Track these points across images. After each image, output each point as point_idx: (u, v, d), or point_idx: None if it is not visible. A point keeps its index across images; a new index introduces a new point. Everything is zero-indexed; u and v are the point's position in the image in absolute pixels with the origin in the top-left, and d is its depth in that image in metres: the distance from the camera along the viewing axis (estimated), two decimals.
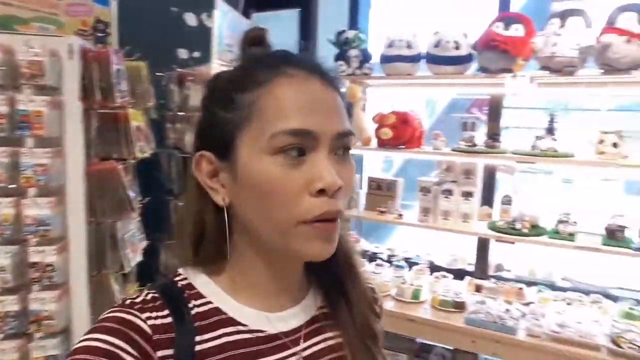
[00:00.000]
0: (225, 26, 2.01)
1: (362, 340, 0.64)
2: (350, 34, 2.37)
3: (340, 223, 0.56)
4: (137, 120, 2.01)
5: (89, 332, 0.51)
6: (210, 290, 0.58)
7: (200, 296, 0.58)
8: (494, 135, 2.32)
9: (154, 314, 0.53)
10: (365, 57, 2.38)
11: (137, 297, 0.56)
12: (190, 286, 0.58)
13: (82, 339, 0.51)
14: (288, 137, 0.51)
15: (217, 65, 1.83)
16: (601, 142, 2.01)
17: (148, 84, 2.19)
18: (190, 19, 2.58)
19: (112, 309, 0.54)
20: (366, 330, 0.65)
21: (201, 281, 0.59)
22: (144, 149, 2.05)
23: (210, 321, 0.56)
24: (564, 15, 1.97)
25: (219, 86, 0.58)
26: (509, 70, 2.05)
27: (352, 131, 0.57)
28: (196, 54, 2.61)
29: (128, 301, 0.55)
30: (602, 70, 1.93)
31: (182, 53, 2.57)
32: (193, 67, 2.44)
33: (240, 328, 0.57)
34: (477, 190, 2.36)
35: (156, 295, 0.56)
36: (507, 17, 2.08)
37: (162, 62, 2.47)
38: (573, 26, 1.94)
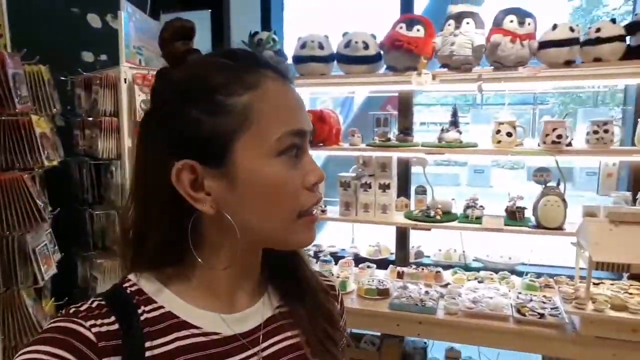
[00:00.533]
0: (133, 28, 1.95)
1: (320, 338, 0.65)
2: (264, 35, 2.40)
3: None
4: (41, 127, 1.89)
5: (30, 344, 0.50)
6: (163, 294, 0.58)
7: (151, 301, 0.57)
8: (405, 130, 2.47)
9: (99, 322, 0.52)
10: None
11: (82, 305, 0.55)
12: (140, 292, 0.57)
13: (22, 351, 0.49)
14: (292, 137, 0.55)
15: (126, 68, 1.77)
16: (497, 132, 2.21)
17: (51, 88, 2.06)
18: (94, 20, 2.47)
19: (55, 319, 0.53)
20: (324, 327, 0.66)
21: (152, 286, 0.58)
22: (51, 157, 1.93)
23: (162, 326, 0.55)
24: (459, 17, 2.14)
25: (196, 90, 0.54)
26: (414, 69, 2.19)
27: None
28: (103, 57, 2.49)
29: (72, 310, 0.54)
30: (493, 67, 2.14)
31: (87, 56, 2.45)
32: (100, 70, 2.33)
33: (194, 331, 0.57)
34: (394, 182, 2.49)
35: (102, 302, 0.55)
36: (409, 19, 2.22)
37: (66, 66, 2.34)
38: (467, 27, 2.11)
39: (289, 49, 2.45)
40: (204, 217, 0.57)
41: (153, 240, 0.57)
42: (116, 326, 0.53)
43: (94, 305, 0.54)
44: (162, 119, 0.56)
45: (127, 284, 0.58)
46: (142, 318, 0.55)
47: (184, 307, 0.57)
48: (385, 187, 2.43)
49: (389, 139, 2.41)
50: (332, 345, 0.67)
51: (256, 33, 2.43)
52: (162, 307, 0.57)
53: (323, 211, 2.53)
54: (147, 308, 0.56)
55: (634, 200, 2.25)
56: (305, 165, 0.57)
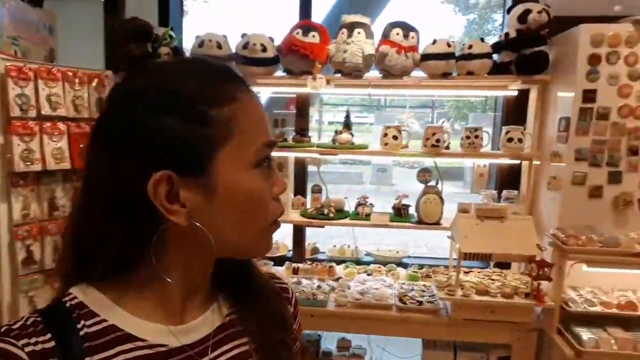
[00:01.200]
0: (7, 15, 1.82)
1: (271, 344, 0.65)
2: (161, 30, 2.36)
3: None
4: None
5: None
6: (105, 307, 0.56)
7: (93, 315, 0.55)
8: (301, 131, 2.57)
9: (33, 340, 0.50)
10: (176, 56, 2.39)
11: (16, 323, 0.53)
12: (81, 305, 0.55)
13: None
14: (266, 149, 0.57)
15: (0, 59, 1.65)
16: (385, 135, 2.39)
17: None
18: None
19: None
20: (275, 332, 0.66)
21: (95, 299, 0.56)
22: None
23: (105, 340, 0.54)
24: (351, 27, 2.28)
25: (172, 99, 0.52)
26: (310, 73, 2.29)
27: None
28: None
29: (4, 328, 0.52)
30: (382, 75, 2.32)
31: None
32: None
33: (140, 344, 0.55)
34: (290, 181, 2.58)
35: (38, 319, 0.53)
36: (305, 25, 2.31)
37: None
38: (358, 37, 2.26)
39: (188, 47, 2.44)
40: (169, 229, 0.55)
41: (105, 252, 0.55)
42: (52, 343, 0.51)
43: (28, 322, 0.52)
44: (127, 128, 0.53)
45: (67, 298, 0.56)
46: (82, 333, 0.53)
47: (129, 320, 0.56)
48: None
49: (285, 139, 2.49)
50: (284, 350, 0.66)
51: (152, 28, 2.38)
52: (104, 320, 0.55)
53: None
54: (89, 322, 0.54)
55: (499, 197, 2.57)
56: (272, 177, 0.59)
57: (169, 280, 0.57)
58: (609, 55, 2.08)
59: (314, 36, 2.27)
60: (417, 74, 2.34)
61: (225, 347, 0.62)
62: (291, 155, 2.56)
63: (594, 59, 2.09)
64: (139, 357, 0.55)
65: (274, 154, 2.14)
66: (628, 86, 2.09)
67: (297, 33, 2.28)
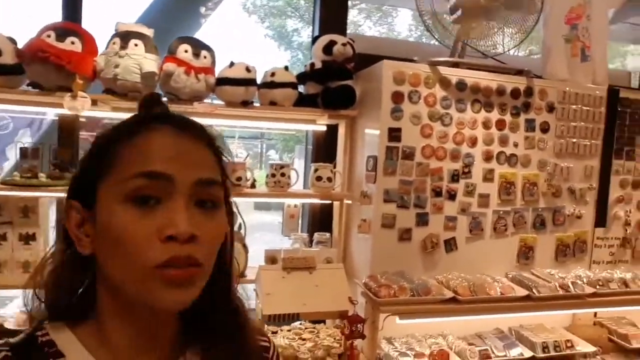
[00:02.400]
0: None
1: None
2: None
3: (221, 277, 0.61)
4: None
5: None
6: (72, 348, 0.56)
7: (60, 355, 0.55)
8: (62, 164, 1.95)
9: None
10: None
11: None
12: (50, 343, 0.56)
13: None
14: (144, 180, 0.52)
15: None
16: None
17: None
18: None
19: None
20: None
21: (64, 338, 0.57)
22: None
23: None
24: (126, 37, 1.80)
25: (96, 139, 0.58)
26: (69, 89, 1.73)
27: (219, 181, 0.58)
28: None
29: None
30: (167, 99, 1.87)
31: None
32: None
33: None
34: (42, 231, 1.92)
35: (9, 354, 0.54)
36: (62, 28, 1.76)
37: None
38: (135, 50, 1.79)
39: None
40: (97, 265, 0.57)
41: (64, 288, 0.58)
42: None
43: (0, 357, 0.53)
44: None
45: (39, 333, 0.57)
46: None
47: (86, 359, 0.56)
48: (29, 239, 1.84)
49: (36, 175, 1.85)
50: None
51: None
52: None
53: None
54: None
55: (310, 241, 2.31)
56: (165, 216, 0.52)
57: (111, 322, 0.58)
58: (411, 94, 2.01)
59: (73, 42, 1.73)
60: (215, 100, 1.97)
61: None
62: (47, 196, 1.91)
63: (397, 97, 1.99)
64: None
65: (20, 193, 1.53)
66: (429, 126, 2.04)
67: (49, 36, 1.71)
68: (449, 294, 1.92)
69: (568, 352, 2.07)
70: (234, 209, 0.65)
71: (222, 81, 1.93)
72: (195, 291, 0.55)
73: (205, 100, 1.95)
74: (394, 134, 2.00)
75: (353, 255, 2.25)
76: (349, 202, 2.27)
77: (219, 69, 1.97)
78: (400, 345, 2.01)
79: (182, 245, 0.52)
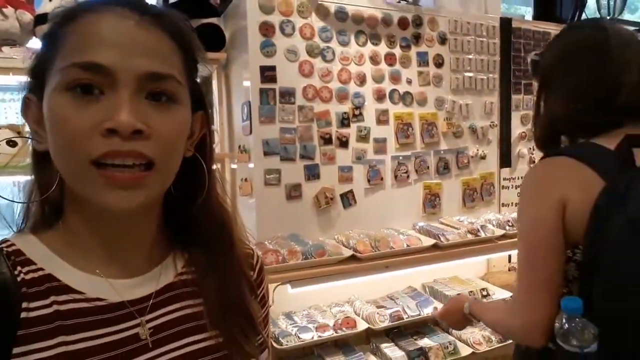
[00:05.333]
0: None
1: (226, 311, 0.60)
2: None
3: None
4: None
5: None
6: (43, 256, 0.54)
7: (30, 262, 0.53)
8: None
9: None
10: None
11: None
12: (18, 252, 0.53)
13: None
14: (77, 71, 0.48)
15: None
16: None
17: None
18: None
19: None
20: (233, 300, 0.61)
21: (32, 246, 0.54)
22: None
23: (41, 289, 0.51)
24: None
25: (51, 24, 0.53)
26: None
27: (173, 75, 0.51)
28: None
29: None
30: None
31: None
32: None
33: (76, 296, 0.52)
34: None
35: None
36: None
37: None
38: None
39: None
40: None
41: (36, 197, 0.56)
42: None
43: None
44: None
45: (3, 245, 0.54)
46: (19, 279, 0.51)
47: (67, 271, 0.53)
48: None
49: None
50: (246, 327, 0.61)
51: None
52: (41, 269, 0.53)
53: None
54: (25, 269, 0.52)
55: None
56: (107, 108, 0.47)
57: (81, 227, 0.54)
58: (283, 25, 1.72)
59: None
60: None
61: (168, 308, 0.58)
62: None
63: (266, 29, 1.69)
64: (74, 309, 0.52)
65: None
66: (308, 63, 1.76)
67: None
68: (347, 253, 1.67)
69: (484, 301, 1.90)
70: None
71: (42, 19, 1.53)
72: (146, 193, 0.50)
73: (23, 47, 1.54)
74: (268, 74, 1.70)
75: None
76: (235, 166, 1.95)
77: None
78: (300, 319, 1.74)
79: (126, 141, 0.47)
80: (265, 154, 1.72)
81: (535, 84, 1.24)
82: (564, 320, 0.81)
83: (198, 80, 0.59)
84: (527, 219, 0.97)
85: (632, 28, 2.46)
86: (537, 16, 2.76)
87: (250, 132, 1.71)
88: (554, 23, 2.38)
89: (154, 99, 0.50)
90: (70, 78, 0.48)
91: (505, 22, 2.18)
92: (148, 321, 0.55)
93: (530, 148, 2.29)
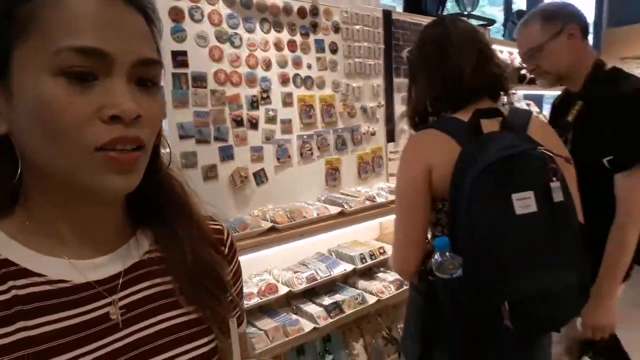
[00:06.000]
0: None
1: (197, 285, 0.59)
2: None
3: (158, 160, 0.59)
4: None
5: None
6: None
7: None
8: None
9: None
10: None
11: None
12: None
13: None
14: (77, 56, 0.45)
15: None
16: None
17: None
18: None
19: None
20: (203, 273, 0.60)
21: None
22: None
23: None
24: None
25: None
26: None
27: (159, 61, 0.51)
28: None
29: None
30: None
31: None
32: None
33: (37, 279, 0.50)
34: None
35: None
36: None
37: None
38: None
39: None
40: (16, 145, 0.50)
41: None
42: None
43: None
44: None
45: None
46: None
47: (25, 254, 0.51)
48: None
49: None
50: (215, 289, 0.61)
51: None
52: None
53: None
54: None
55: None
56: (106, 95, 0.46)
57: (45, 209, 0.52)
58: (192, 11, 1.76)
59: None
60: None
61: (138, 286, 0.57)
62: None
63: (176, 14, 1.73)
64: (35, 293, 0.50)
65: None
66: (218, 48, 1.84)
67: None
68: (266, 225, 1.82)
69: (382, 257, 2.21)
70: None
71: None
72: (139, 176, 0.51)
73: None
74: (180, 59, 1.74)
75: None
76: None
77: None
78: None
79: (128, 127, 0.47)
80: (181, 137, 1.77)
81: None
82: (437, 256, 1.01)
83: None
84: (401, 181, 1.19)
85: (476, 22, 2.93)
86: (407, 9, 3.12)
87: (165, 116, 1.74)
88: (424, 16, 2.75)
89: (141, 83, 0.50)
90: (64, 63, 0.45)
91: (387, 14, 2.48)
92: (120, 299, 0.54)
93: None
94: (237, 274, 0.69)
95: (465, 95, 1.19)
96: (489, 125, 1.11)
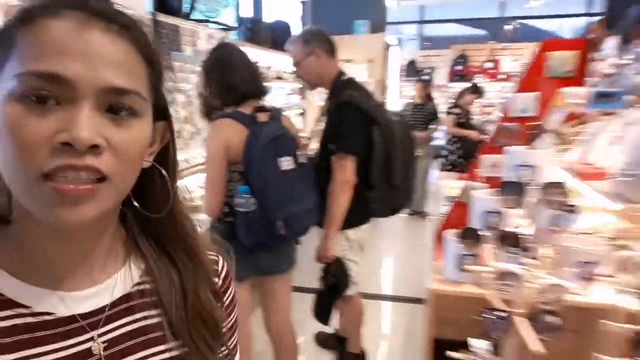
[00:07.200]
0: None
1: (188, 321, 0.57)
2: None
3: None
4: None
5: None
6: None
7: None
8: None
9: None
10: None
11: None
12: None
13: None
14: (38, 81, 0.44)
15: None
16: None
17: None
18: None
19: None
20: (196, 309, 0.58)
21: None
22: None
23: None
24: None
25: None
26: None
27: (136, 91, 0.48)
28: None
29: None
30: None
31: None
32: None
33: (21, 311, 0.49)
34: None
35: None
36: None
37: None
38: None
39: None
40: None
41: None
42: None
43: None
44: None
45: None
46: None
47: (9, 283, 0.50)
48: None
49: None
50: (205, 325, 0.59)
51: None
52: None
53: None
54: None
55: None
56: (63, 121, 0.44)
57: (27, 235, 0.51)
58: None
59: None
60: None
61: (123, 320, 0.55)
62: None
63: None
64: (17, 325, 0.49)
65: None
66: None
67: None
68: None
69: None
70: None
71: None
72: (97, 206, 0.46)
73: None
74: None
75: None
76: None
77: None
78: None
79: (82, 155, 0.44)
80: None
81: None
82: (237, 199, 1.67)
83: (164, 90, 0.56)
84: (209, 152, 1.77)
85: (218, 27, 3.35)
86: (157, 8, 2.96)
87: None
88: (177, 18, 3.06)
89: (114, 112, 0.47)
90: (25, 87, 0.44)
91: (153, 16, 2.85)
92: (101, 335, 0.53)
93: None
94: (231, 307, 0.66)
95: (245, 97, 1.82)
96: (261, 117, 1.80)
